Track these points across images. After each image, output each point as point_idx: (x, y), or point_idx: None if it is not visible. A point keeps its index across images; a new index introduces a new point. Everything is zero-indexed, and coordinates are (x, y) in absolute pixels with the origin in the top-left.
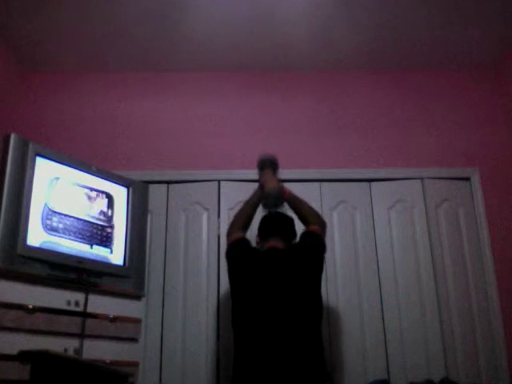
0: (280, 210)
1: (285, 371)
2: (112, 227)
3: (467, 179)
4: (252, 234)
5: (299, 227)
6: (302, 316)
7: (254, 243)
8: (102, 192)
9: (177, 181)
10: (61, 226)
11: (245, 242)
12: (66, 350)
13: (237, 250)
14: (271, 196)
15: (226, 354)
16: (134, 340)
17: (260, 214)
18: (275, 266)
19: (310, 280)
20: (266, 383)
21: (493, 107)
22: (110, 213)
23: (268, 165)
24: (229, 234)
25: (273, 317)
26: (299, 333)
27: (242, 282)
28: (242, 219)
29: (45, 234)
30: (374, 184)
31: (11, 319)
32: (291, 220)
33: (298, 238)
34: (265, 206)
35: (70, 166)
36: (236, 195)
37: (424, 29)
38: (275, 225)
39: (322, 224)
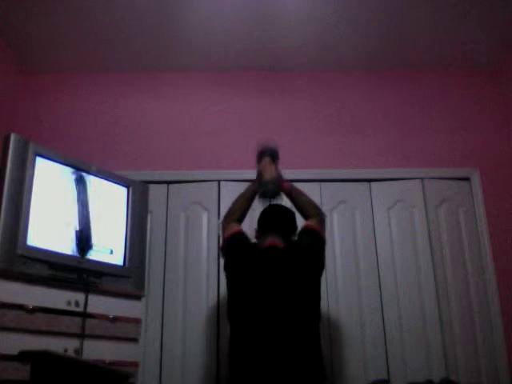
0: (277, 201)
1: (281, 372)
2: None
3: (467, 179)
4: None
5: (299, 221)
6: (300, 317)
7: (250, 235)
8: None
9: (177, 181)
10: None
11: (242, 236)
12: (66, 350)
13: (235, 246)
14: (268, 186)
15: (226, 354)
16: (134, 340)
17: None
18: (274, 265)
19: (309, 281)
20: (263, 383)
21: (493, 107)
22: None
23: (267, 154)
24: (224, 227)
25: (270, 317)
26: (297, 333)
27: (240, 279)
28: (238, 211)
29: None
30: (374, 184)
31: (11, 319)
32: (292, 214)
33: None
34: (261, 197)
35: (70, 166)
36: (236, 195)
37: (424, 29)
38: (276, 220)
39: (321, 217)
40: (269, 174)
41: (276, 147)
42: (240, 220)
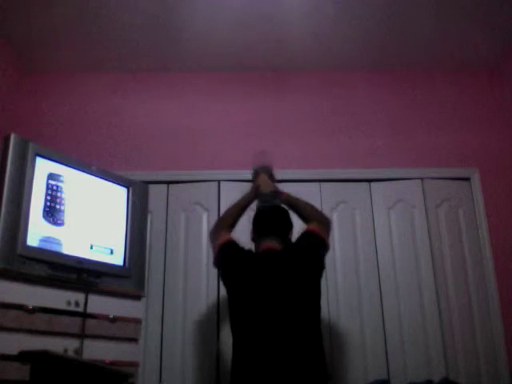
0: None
1: (286, 375)
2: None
3: (467, 179)
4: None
5: (299, 225)
6: (301, 320)
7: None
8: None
9: (177, 181)
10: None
11: (233, 244)
12: (66, 350)
13: (229, 255)
14: (266, 198)
15: (226, 355)
16: (134, 340)
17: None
18: (272, 269)
19: (308, 283)
20: None
21: (493, 107)
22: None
23: (263, 171)
24: (215, 235)
25: (271, 321)
26: (298, 336)
27: (239, 286)
28: (230, 219)
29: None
30: (373, 184)
31: (11, 319)
32: (286, 212)
33: (295, 232)
34: (259, 209)
35: (70, 166)
36: (236, 195)
37: (424, 29)
38: (271, 222)
39: (324, 221)
40: (266, 187)
41: (271, 166)
42: (231, 228)
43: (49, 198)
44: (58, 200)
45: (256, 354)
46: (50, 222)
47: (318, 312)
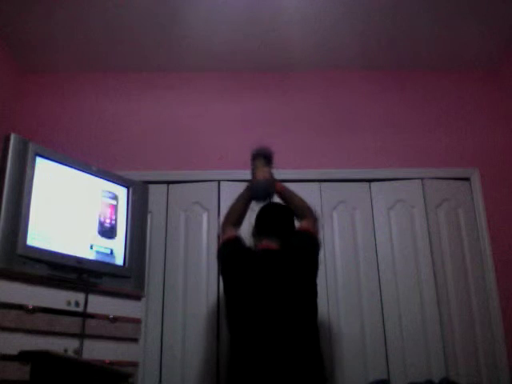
0: (269, 200)
1: (282, 374)
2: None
3: (467, 179)
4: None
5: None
6: (297, 318)
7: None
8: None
9: (177, 181)
10: None
11: (237, 241)
12: (66, 350)
13: (229, 251)
14: (259, 187)
15: (226, 354)
16: (134, 340)
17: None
18: (268, 268)
19: (303, 281)
20: None
21: (493, 107)
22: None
23: (261, 155)
24: (222, 230)
25: (267, 319)
26: (294, 336)
27: (235, 284)
28: (235, 215)
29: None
30: (373, 184)
31: (11, 319)
32: (290, 214)
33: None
34: (253, 198)
35: (70, 166)
36: (236, 195)
37: (424, 29)
38: (272, 221)
39: (315, 218)
40: (261, 175)
41: (269, 150)
42: (236, 223)
43: (49, 198)
44: (58, 200)
45: (249, 353)
46: (50, 222)
47: (313, 311)
